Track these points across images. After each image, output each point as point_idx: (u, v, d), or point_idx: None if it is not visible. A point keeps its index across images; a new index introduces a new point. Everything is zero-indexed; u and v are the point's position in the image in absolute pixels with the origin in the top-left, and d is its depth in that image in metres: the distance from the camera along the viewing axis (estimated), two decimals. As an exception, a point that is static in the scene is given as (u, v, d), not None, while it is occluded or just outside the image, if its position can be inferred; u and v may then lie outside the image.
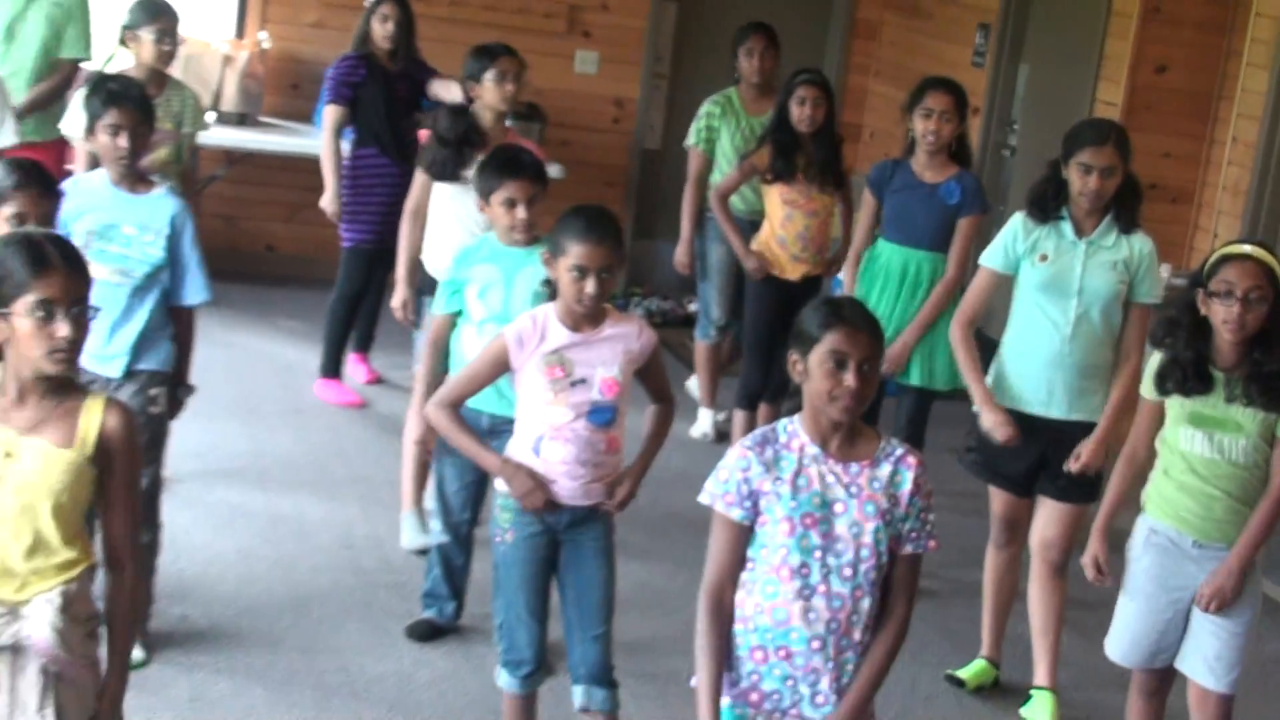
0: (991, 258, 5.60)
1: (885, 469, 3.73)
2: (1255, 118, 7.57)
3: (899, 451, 3.77)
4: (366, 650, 5.71)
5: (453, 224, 6.34)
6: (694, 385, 8.47)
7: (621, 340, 4.65)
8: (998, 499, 5.79)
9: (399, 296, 6.60)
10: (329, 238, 8.11)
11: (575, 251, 4.51)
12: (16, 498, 3.41)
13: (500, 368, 4.66)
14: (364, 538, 6.65)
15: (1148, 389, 4.81)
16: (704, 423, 8.27)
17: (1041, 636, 5.78)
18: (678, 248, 8.18)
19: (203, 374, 7.93)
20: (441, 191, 6.39)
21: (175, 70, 6.93)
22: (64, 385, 3.46)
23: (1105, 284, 5.47)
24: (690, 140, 8.17)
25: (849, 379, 3.62)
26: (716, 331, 8.15)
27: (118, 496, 3.56)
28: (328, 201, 7.92)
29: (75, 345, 3.39)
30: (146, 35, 6.53)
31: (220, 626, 5.73)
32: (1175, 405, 4.71)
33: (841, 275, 7.00)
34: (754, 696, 3.73)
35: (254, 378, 8.42)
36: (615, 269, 4.59)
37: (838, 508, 3.68)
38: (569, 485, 4.63)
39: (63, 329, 3.35)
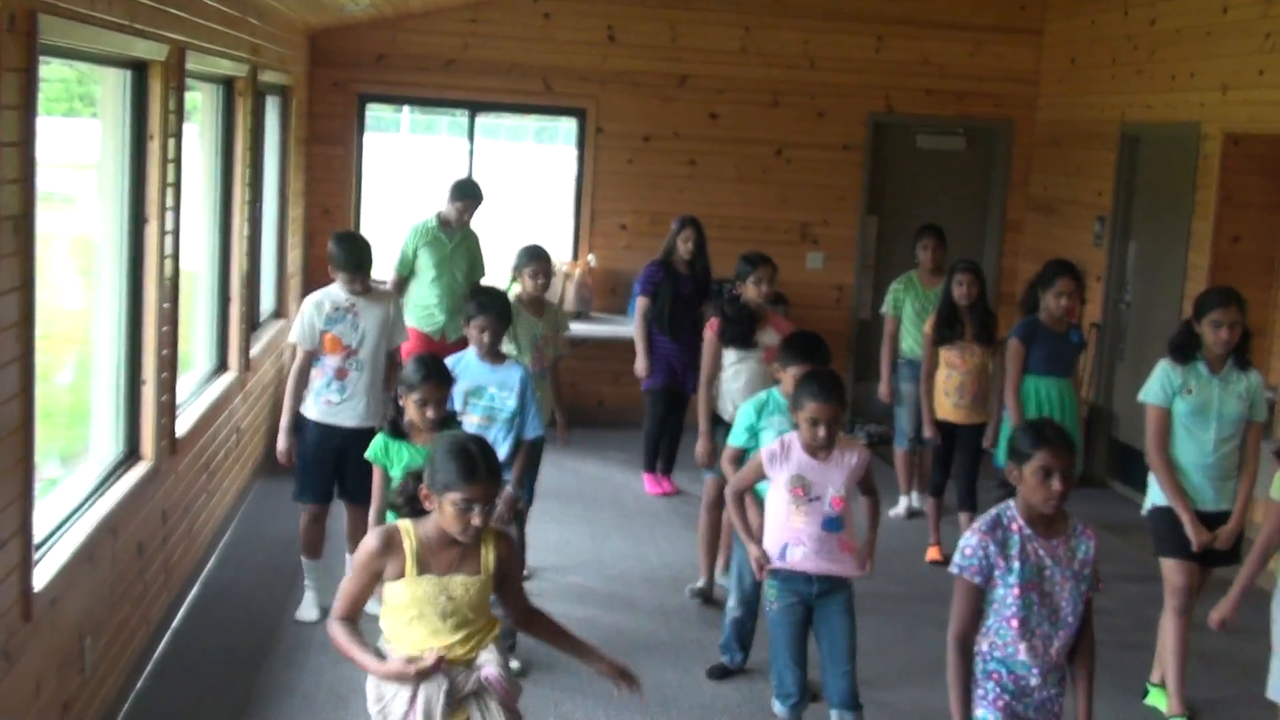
0: (1152, 396, 5.41)
1: (1074, 541, 3.76)
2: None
3: (1080, 527, 3.81)
4: (678, 685, 5.67)
5: (742, 379, 6.43)
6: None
7: (845, 464, 4.64)
8: (1181, 570, 5.40)
9: (702, 447, 6.64)
10: (639, 395, 8.25)
11: (810, 407, 4.56)
12: (457, 615, 3.50)
13: (759, 474, 4.73)
14: (676, 605, 6.65)
15: (1277, 492, 4.68)
16: (900, 506, 8.18)
17: (1178, 672, 5.45)
18: (880, 386, 8.17)
19: (556, 491, 8.17)
20: (729, 356, 6.48)
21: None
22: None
23: (1235, 408, 5.36)
24: (884, 309, 8.23)
25: (1056, 485, 3.65)
26: (909, 442, 8.06)
27: (514, 588, 3.68)
28: (640, 366, 8.05)
29: (480, 531, 3.50)
30: (527, 273, 6.71)
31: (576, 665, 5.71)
32: None
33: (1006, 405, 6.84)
34: (999, 703, 3.72)
35: (593, 494, 8.50)
36: (840, 418, 4.60)
37: (1048, 573, 3.70)
38: (819, 566, 4.64)
39: (475, 519, 3.45)
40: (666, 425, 8.35)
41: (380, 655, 3.54)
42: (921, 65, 10.34)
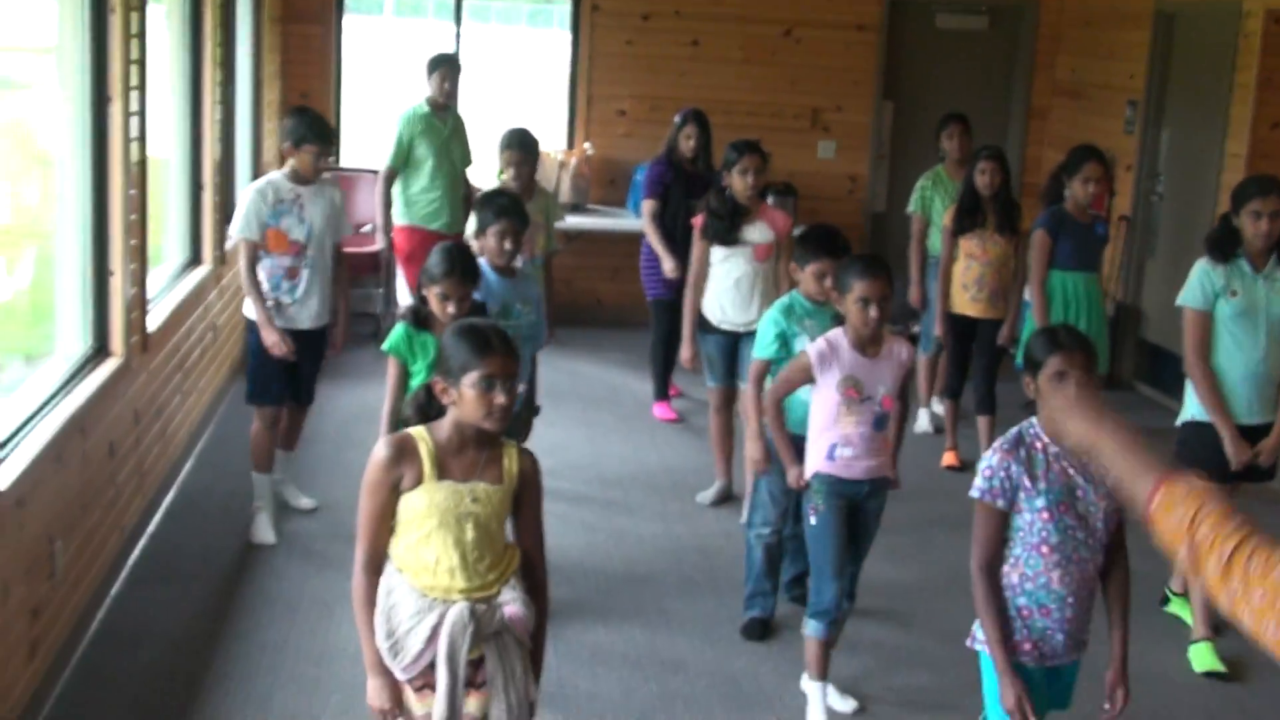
0: (1192, 299, 5.25)
1: None
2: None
3: None
4: (689, 620, 5.67)
5: (728, 279, 6.37)
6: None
7: (895, 360, 4.63)
8: None
9: (686, 350, 6.60)
10: (639, 293, 8.14)
11: (859, 286, 4.49)
12: (477, 529, 3.35)
13: (806, 377, 4.65)
14: (677, 511, 6.66)
15: None
16: (923, 420, 8.10)
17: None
18: (910, 288, 7.96)
19: (554, 393, 8.17)
20: (716, 254, 6.41)
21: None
22: (491, 436, 3.41)
23: None
24: (911, 208, 8.07)
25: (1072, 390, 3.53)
26: (934, 348, 7.99)
27: (530, 518, 3.49)
28: (669, 266, 7.65)
29: (507, 410, 3.33)
30: (511, 165, 6.63)
31: (572, 595, 5.70)
32: None
33: (1029, 300, 6.80)
34: (1026, 646, 3.63)
35: (591, 396, 8.50)
36: (890, 298, 4.54)
37: (1079, 493, 3.58)
38: (862, 470, 4.62)
39: (499, 398, 3.29)
40: (675, 339, 8.14)
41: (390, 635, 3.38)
42: (943, -62, 10.17)
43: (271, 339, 5.87)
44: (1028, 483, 3.56)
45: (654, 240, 7.78)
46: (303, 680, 4.82)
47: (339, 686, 4.76)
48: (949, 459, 7.48)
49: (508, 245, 5.28)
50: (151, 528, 5.99)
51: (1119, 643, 3.70)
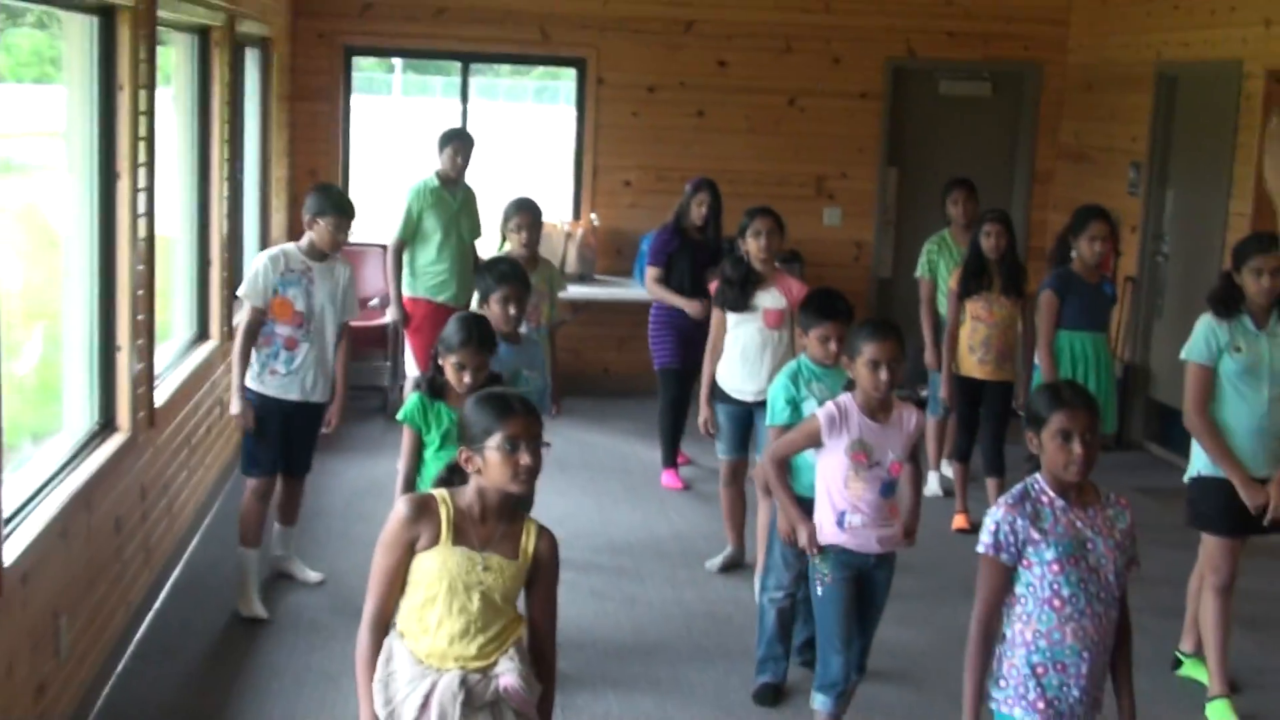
0: (1196, 354, 5.26)
1: (1110, 510, 3.63)
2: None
3: (1113, 496, 3.68)
4: (700, 687, 5.64)
5: (736, 346, 6.39)
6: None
7: (904, 427, 4.61)
8: (1225, 548, 5.28)
9: (703, 414, 6.61)
10: (647, 362, 8.16)
11: (869, 349, 4.48)
12: (485, 599, 3.34)
13: (813, 441, 4.61)
14: (687, 578, 6.64)
15: None
16: (933, 484, 8.06)
17: (1220, 651, 5.33)
18: (926, 353, 7.92)
19: (563, 463, 8.17)
20: (730, 320, 6.44)
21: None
22: (512, 510, 3.40)
23: None
24: (918, 272, 8.10)
25: (1077, 449, 3.53)
26: (943, 411, 7.96)
27: (544, 595, 3.45)
28: (694, 311, 7.62)
29: (533, 472, 3.31)
30: (512, 226, 6.74)
31: (582, 662, 5.68)
32: None
33: (1038, 362, 6.80)
34: (1040, 705, 3.59)
35: (599, 465, 8.49)
36: (901, 360, 4.53)
37: (1089, 545, 3.57)
38: (872, 543, 4.59)
39: (525, 458, 3.28)
40: (683, 407, 8.16)
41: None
42: (944, 6, 10.26)
43: (237, 408, 5.90)
44: (1035, 535, 3.55)
45: (665, 295, 7.82)
46: (310, 754, 4.80)
47: (346, 759, 4.73)
48: (959, 522, 7.45)
49: (512, 311, 5.30)
50: (158, 604, 5.98)
51: (1126, 698, 3.68)
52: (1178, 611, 5.80)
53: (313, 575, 6.34)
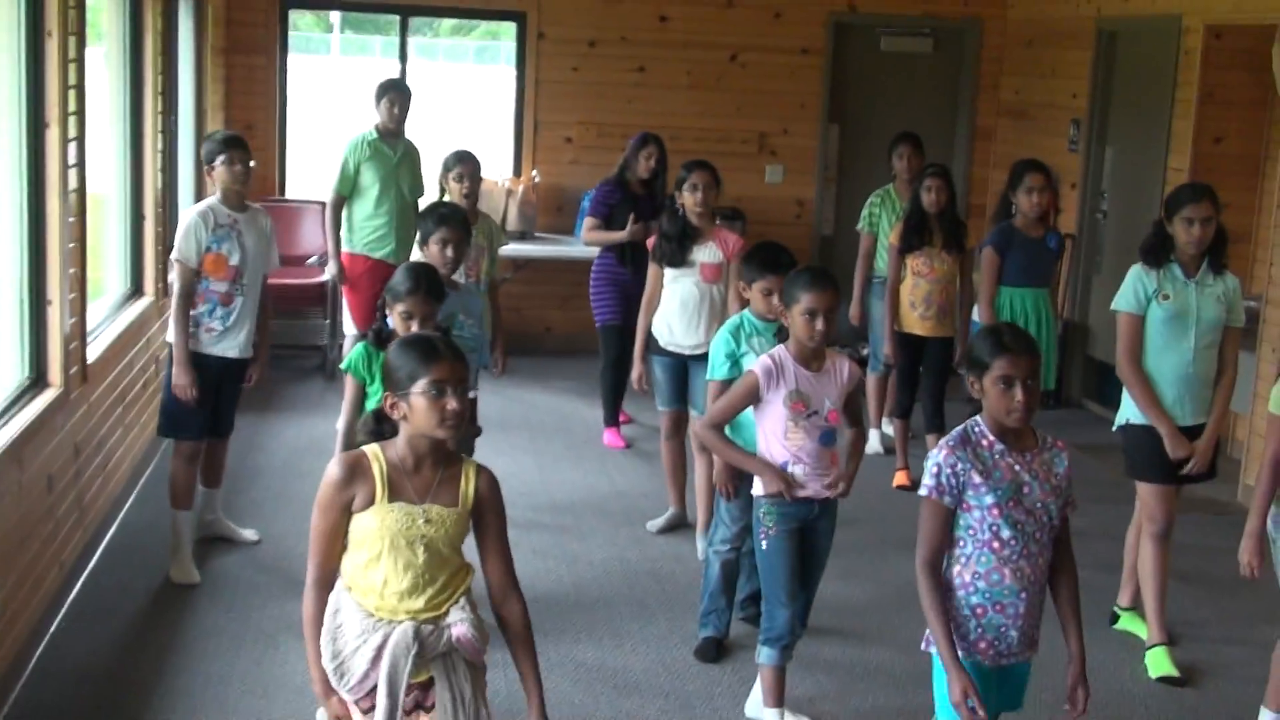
0: (1125, 303, 5.30)
1: (1047, 454, 3.64)
2: (1296, 170, 7.25)
3: (1050, 440, 3.70)
4: (642, 641, 5.62)
5: (675, 300, 6.36)
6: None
7: (838, 375, 4.59)
8: (1159, 495, 5.33)
9: (636, 370, 6.58)
10: (589, 320, 8.11)
11: (806, 298, 4.46)
12: (429, 551, 3.29)
13: (751, 397, 4.58)
14: (629, 536, 6.61)
15: (1277, 405, 4.51)
16: (874, 441, 8.06)
17: (1158, 599, 5.40)
18: (851, 306, 8.01)
19: (504, 422, 8.12)
20: (666, 275, 6.40)
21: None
22: (448, 454, 3.35)
23: (1214, 313, 5.27)
24: (860, 225, 8.08)
25: (1018, 395, 3.53)
26: (884, 367, 7.97)
27: (493, 542, 3.41)
28: (629, 232, 7.64)
29: (460, 416, 3.26)
30: (453, 176, 6.68)
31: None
32: None
33: (978, 319, 6.82)
34: (981, 645, 3.61)
35: (540, 424, 8.45)
36: (836, 310, 4.51)
37: (1025, 489, 3.58)
38: (813, 487, 4.59)
39: (451, 403, 3.22)
40: (624, 365, 8.08)
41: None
42: (885, -39, 10.23)
43: (184, 380, 5.74)
44: (976, 478, 3.56)
45: (602, 236, 7.80)
46: (246, 713, 4.74)
47: (284, 718, 4.67)
48: (900, 479, 7.47)
49: (450, 254, 5.24)
50: (92, 564, 5.89)
51: (1075, 642, 3.69)
52: (1115, 566, 5.85)
53: (248, 534, 6.26)
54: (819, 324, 4.45)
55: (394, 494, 3.28)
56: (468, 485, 3.35)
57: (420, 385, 3.24)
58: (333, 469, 3.31)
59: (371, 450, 3.33)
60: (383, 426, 3.37)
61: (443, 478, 3.33)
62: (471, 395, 4.27)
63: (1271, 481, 4.51)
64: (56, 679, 4.93)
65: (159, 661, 5.09)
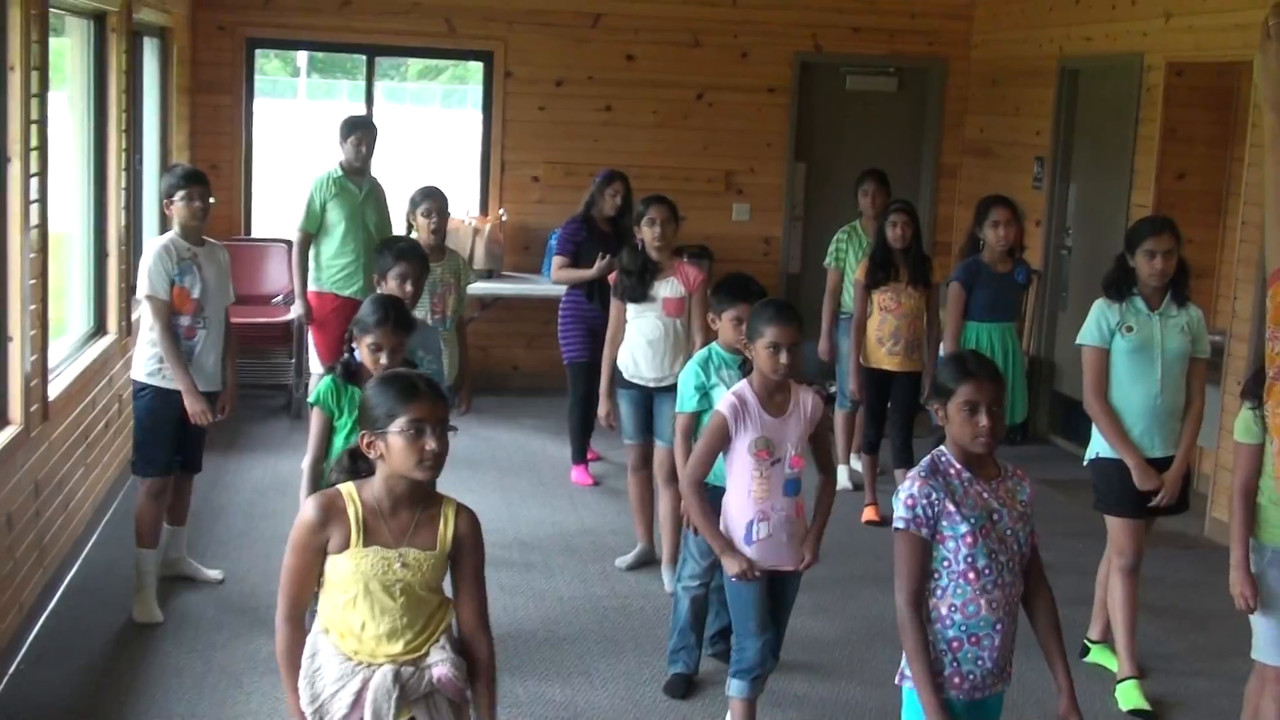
0: (1089, 337, 5.31)
1: (1010, 483, 3.62)
2: (1258, 204, 7.28)
3: (1010, 468, 3.68)
4: (611, 678, 5.57)
5: (639, 335, 6.35)
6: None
7: (802, 413, 4.54)
8: (1129, 530, 5.31)
9: (603, 408, 6.56)
10: (556, 359, 8.08)
11: (770, 331, 4.43)
12: (406, 595, 3.23)
13: (722, 438, 4.51)
14: (598, 573, 6.57)
15: (1246, 435, 4.47)
16: (842, 477, 8.06)
17: (1129, 632, 5.37)
18: (820, 342, 8.00)
19: (470, 460, 8.07)
20: (630, 311, 6.40)
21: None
22: (427, 493, 3.28)
23: (1179, 344, 5.28)
24: (827, 261, 8.09)
25: (983, 420, 3.50)
26: (851, 404, 7.95)
27: (468, 583, 3.34)
28: (598, 268, 7.66)
29: (441, 457, 3.19)
30: (420, 211, 6.65)
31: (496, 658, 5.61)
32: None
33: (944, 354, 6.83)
34: (956, 680, 3.56)
35: (508, 463, 8.40)
36: (800, 345, 4.48)
37: (995, 517, 3.54)
38: (783, 558, 4.53)
39: (430, 444, 3.15)
40: (592, 402, 8.02)
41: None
42: (850, 1, 10.29)
43: (197, 407, 5.72)
44: (950, 507, 3.52)
45: (571, 275, 7.79)
46: (211, 753, 4.67)
47: (249, 758, 4.61)
48: (869, 514, 7.45)
49: (409, 289, 5.20)
50: (52, 604, 5.80)
51: (1062, 674, 3.61)
52: (1085, 600, 5.84)
53: (212, 574, 6.19)
54: (783, 358, 4.42)
55: (369, 538, 3.21)
56: (446, 528, 3.28)
57: (399, 424, 3.17)
58: (307, 510, 3.24)
59: (346, 490, 3.25)
60: (358, 465, 3.31)
61: (420, 519, 3.26)
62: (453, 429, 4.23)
63: (1245, 510, 4.50)
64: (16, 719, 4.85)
65: (121, 701, 5.01)
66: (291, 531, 3.27)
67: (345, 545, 3.21)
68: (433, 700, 3.25)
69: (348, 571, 3.20)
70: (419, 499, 3.26)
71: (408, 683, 3.20)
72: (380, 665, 3.20)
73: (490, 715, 3.35)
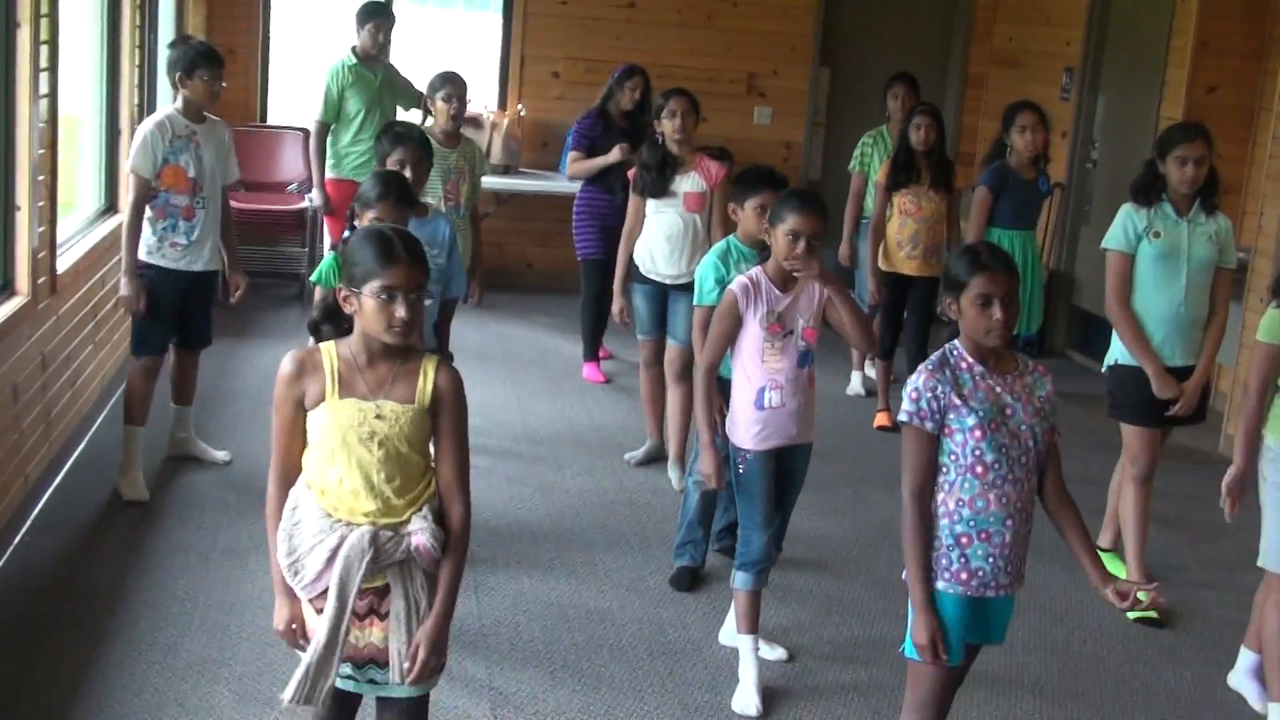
0: (1114, 241, 5.21)
1: (1029, 378, 3.54)
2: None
3: (1031, 364, 3.59)
4: (616, 571, 5.53)
5: (658, 231, 6.26)
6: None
7: (811, 294, 4.48)
8: (1144, 438, 5.26)
9: (617, 304, 6.47)
10: (571, 257, 7.99)
11: (792, 219, 4.34)
12: (384, 449, 3.18)
13: (734, 319, 4.47)
14: (605, 467, 6.53)
15: (1270, 335, 4.40)
16: (855, 383, 8.03)
17: (1139, 541, 5.32)
18: (840, 246, 7.90)
19: (482, 354, 8.03)
20: (649, 206, 6.30)
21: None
22: (404, 349, 3.23)
23: (1206, 252, 5.19)
24: (851, 165, 7.99)
25: (997, 313, 3.42)
26: (870, 309, 7.84)
27: (448, 441, 3.27)
28: (617, 153, 7.47)
29: (410, 324, 3.15)
30: (440, 96, 6.53)
31: (496, 545, 5.57)
32: None
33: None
34: (964, 575, 3.49)
35: (519, 358, 8.34)
36: (822, 238, 4.39)
37: (1008, 411, 3.46)
38: (791, 432, 4.49)
39: (400, 311, 3.11)
40: (606, 299, 7.95)
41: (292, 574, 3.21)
42: (881, -97, 10.08)
43: (129, 292, 5.62)
44: (956, 400, 3.45)
45: (587, 165, 7.66)
46: (213, 629, 4.65)
47: (249, 634, 4.59)
48: (881, 420, 7.39)
49: (408, 175, 5.04)
50: (58, 479, 5.78)
51: (1089, 558, 3.53)
52: (1096, 511, 5.78)
53: (219, 455, 6.16)
54: (801, 246, 4.35)
55: (345, 390, 3.18)
56: (425, 382, 3.23)
57: (372, 286, 3.13)
58: (284, 364, 3.22)
59: (326, 346, 3.23)
60: (322, 327, 3.28)
61: (399, 373, 3.22)
62: (428, 301, 4.12)
63: (1256, 414, 4.43)
64: (18, 589, 4.83)
65: (124, 576, 5.00)
66: (275, 393, 3.23)
67: (322, 398, 3.19)
68: (407, 568, 3.20)
69: (325, 424, 3.18)
70: (398, 353, 3.23)
71: (384, 546, 3.15)
72: (359, 525, 3.16)
73: (451, 585, 3.26)
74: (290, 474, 3.24)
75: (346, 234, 4.60)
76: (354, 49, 7.84)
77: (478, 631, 4.75)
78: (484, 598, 5.01)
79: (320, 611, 3.16)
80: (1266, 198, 7.23)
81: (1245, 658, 4.71)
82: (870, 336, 4.66)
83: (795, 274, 4.40)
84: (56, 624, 4.63)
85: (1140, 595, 3.56)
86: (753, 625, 4.61)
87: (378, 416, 3.18)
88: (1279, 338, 4.39)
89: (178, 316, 5.78)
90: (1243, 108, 8.01)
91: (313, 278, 4.69)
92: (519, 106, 9.92)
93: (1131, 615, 5.26)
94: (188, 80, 5.67)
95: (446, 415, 3.26)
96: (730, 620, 4.77)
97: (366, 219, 4.46)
